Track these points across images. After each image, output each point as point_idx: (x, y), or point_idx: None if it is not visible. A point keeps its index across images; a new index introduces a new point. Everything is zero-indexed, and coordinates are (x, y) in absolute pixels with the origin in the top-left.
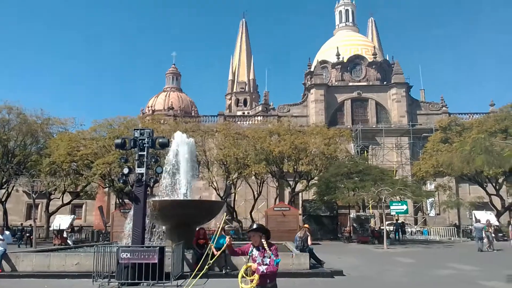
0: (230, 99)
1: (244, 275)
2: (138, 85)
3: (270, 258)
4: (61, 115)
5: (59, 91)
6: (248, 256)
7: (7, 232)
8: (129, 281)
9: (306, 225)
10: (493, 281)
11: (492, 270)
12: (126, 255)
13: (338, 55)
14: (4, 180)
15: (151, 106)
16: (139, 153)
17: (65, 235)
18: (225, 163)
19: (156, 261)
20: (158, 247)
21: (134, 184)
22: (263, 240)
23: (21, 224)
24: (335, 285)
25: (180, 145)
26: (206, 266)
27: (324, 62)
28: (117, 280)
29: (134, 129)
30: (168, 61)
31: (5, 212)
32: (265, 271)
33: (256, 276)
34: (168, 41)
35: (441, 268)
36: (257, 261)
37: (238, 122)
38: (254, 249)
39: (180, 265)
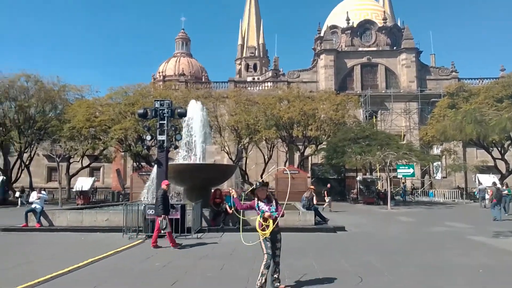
0: (240, 64)
1: (262, 222)
2: (148, 50)
3: (276, 207)
4: (75, 82)
5: (71, 59)
6: (256, 209)
7: (43, 192)
8: None
9: (311, 186)
10: (480, 236)
11: (483, 227)
12: (152, 211)
13: (348, 19)
14: (27, 144)
15: (162, 72)
16: (160, 122)
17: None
18: (236, 128)
19: (179, 216)
20: (180, 205)
21: (149, 148)
22: (268, 193)
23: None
24: (336, 238)
25: (195, 113)
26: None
27: (334, 27)
28: (145, 233)
29: (155, 100)
30: (177, 26)
31: (29, 175)
32: (277, 215)
33: (270, 222)
34: (177, 6)
35: (436, 226)
36: (265, 211)
37: (248, 88)
38: (259, 202)
39: (199, 221)
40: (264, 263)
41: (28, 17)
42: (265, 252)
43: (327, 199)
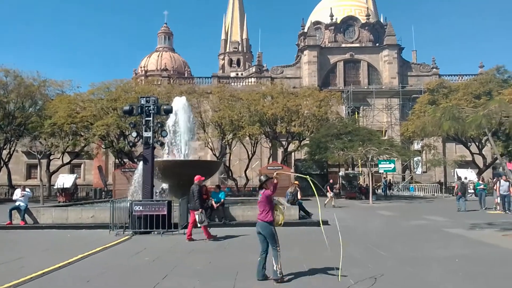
0: (223, 59)
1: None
2: (130, 45)
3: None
4: (55, 77)
5: (50, 52)
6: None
7: (27, 190)
8: (142, 229)
9: (296, 182)
10: (457, 228)
11: (460, 220)
12: (139, 208)
13: (331, 15)
14: (6, 141)
15: (144, 67)
16: (146, 118)
17: None
18: (220, 124)
19: (165, 213)
20: (166, 201)
21: (134, 145)
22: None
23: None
24: (320, 232)
25: (179, 110)
26: None
27: (317, 23)
28: (131, 229)
29: (141, 97)
30: (160, 20)
31: (8, 173)
32: None
33: (283, 212)
34: None
35: (416, 219)
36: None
37: (232, 84)
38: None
39: (185, 217)
40: (279, 253)
41: (3, 13)
42: (279, 243)
43: (329, 194)
